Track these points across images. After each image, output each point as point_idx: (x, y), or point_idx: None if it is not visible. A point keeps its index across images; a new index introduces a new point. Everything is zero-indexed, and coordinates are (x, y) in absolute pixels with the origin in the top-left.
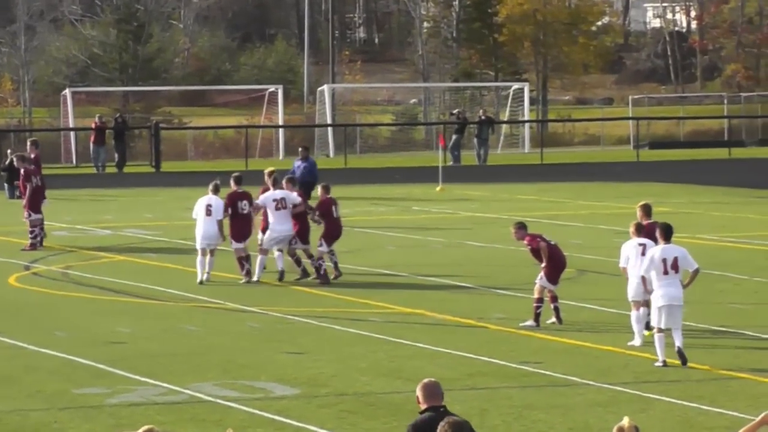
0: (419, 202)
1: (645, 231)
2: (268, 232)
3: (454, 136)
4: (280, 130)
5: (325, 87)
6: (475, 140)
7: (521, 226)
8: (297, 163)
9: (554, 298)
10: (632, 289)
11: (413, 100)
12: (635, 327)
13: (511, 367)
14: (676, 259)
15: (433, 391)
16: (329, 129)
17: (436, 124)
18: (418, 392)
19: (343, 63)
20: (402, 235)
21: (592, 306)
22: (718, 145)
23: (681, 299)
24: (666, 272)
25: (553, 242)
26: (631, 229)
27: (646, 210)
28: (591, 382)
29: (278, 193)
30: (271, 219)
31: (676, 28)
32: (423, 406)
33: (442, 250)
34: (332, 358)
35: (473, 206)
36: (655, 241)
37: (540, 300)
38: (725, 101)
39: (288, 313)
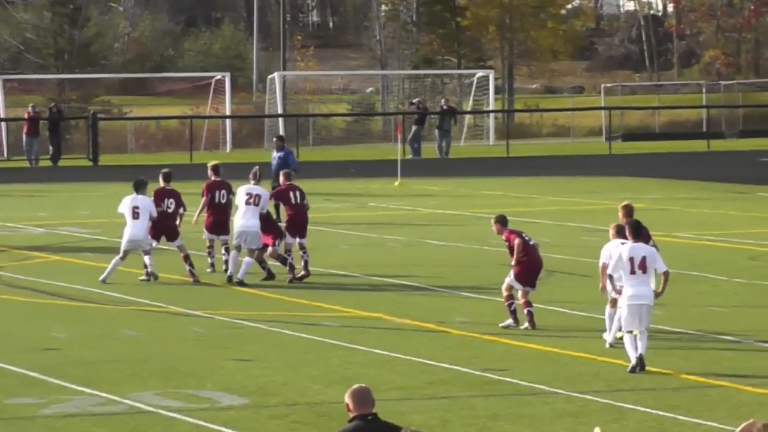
0: (376, 198)
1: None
2: (234, 229)
3: (413, 128)
4: (227, 121)
5: (275, 74)
6: (436, 132)
7: (500, 220)
8: (273, 154)
9: (527, 303)
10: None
11: (370, 89)
12: (607, 323)
13: (474, 375)
14: (644, 259)
15: (363, 397)
16: (280, 120)
17: (394, 115)
18: (348, 399)
19: (295, 49)
20: (357, 233)
21: (560, 309)
22: (695, 137)
23: (651, 298)
24: (633, 272)
25: (532, 242)
26: (611, 232)
27: (628, 211)
28: (560, 391)
29: (255, 189)
30: (238, 213)
31: (652, 12)
32: (352, 414)
33: (401, 249)
34: (283, 365)
35: (434, 202)
36: None
37: (510, 297)
38: (704, 90)
39: (235, 317)
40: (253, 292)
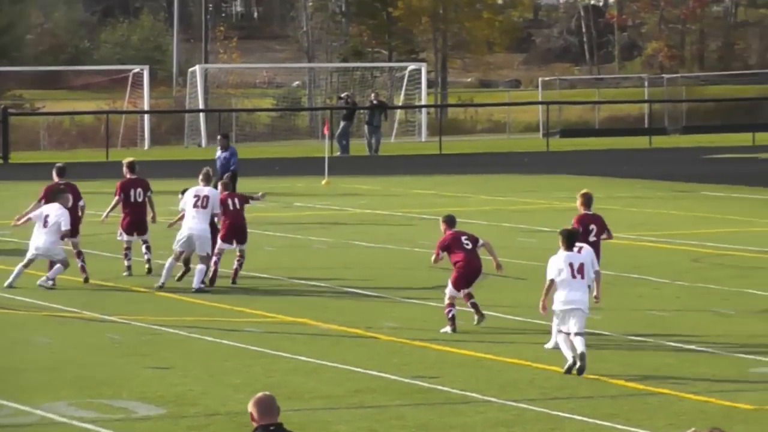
0: (302, 198)
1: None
2: (179, 232)
3: (342, 123)
4: (146, 116)
5: (196, 67)
6: (365, 128)
7: (446, 220)
8: (218, 153)
9: (468, 295)
10: None
11: (296, 83)
12: (553, 329)
13: (403, 383)
14: (582, 265)
15: (268, 406)
16: (201, 115)
17: (321, 110)
18: (252, 408)
19: (218, 40)
20: (282, 234)
21: (494, 313)
22: (637, 133)
23: (585, 305)
24: (573, 276)
25: (472, 245)
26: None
27: (587, 200)
28: (493, 399)
29: (204, 190)
30: (186, 216)
31: (592, 2)
32: (256, 425)
33: (328, 250)
34: (202, 373)
35: (363, 202)
36: (588, 234)
37: (451, 305)
38: (646, 84)
39: (153, 323)
40: (172, 297)
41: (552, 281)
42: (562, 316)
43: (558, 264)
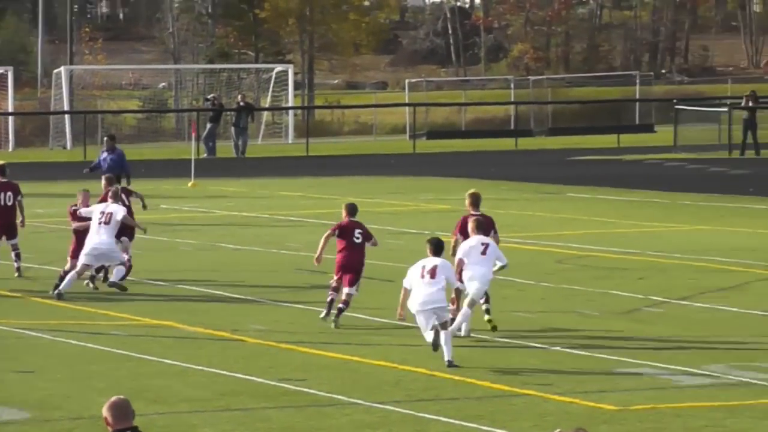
0: (168, 200)
1: (484, 228)
2: (83, 249)
3: (208, 125)
4: (10, 118)
5: (62, 69)
6: (232, 129)
7: (346, 207)
8: (103, 155)
9: (344, 301)
10: (473, 288)
11: (162, 84)
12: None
13: (269, 385)
14: (434, 267)
15: (123, 410)
16: (66, 117)
17: (188, 111)
18: (106, 413)
19: (83, 41)
20: (148, 236)
21: (361, 315)
22: (503, 135)
23: (443, 301)
24: (422, 276)
25: (362, 240)
26: (471, 226)
27: (475, 200)
28: (359, 401)
29: (109, 207)
30: (90, 232)
31: (458, 3)
32: (111, 429)
33: (194, 253)
34: (66, 377)
35: (229, 204)
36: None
37: (335, 289)
38: (512, 85)
39: (16, 326)
40: (36, 300)
41: (405, 289)
42: (421, 317)
43: (412, 272)
